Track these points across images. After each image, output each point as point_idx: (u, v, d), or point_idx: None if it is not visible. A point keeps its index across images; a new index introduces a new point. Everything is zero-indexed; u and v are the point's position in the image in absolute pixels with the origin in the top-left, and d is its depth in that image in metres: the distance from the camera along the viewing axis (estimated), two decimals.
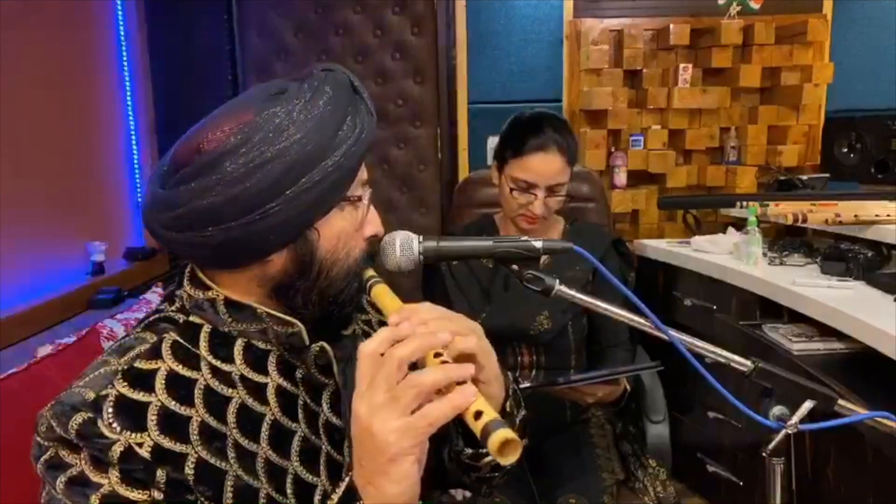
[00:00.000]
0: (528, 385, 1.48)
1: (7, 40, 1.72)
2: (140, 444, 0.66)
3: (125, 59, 2.38)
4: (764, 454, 0.75)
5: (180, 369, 0.72)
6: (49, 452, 0.67)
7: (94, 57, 2.22)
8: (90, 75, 2.19)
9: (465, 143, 2.65)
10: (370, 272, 0.80)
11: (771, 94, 2.64)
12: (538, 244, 0.81)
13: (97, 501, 0.65)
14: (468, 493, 1.41)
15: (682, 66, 2.53)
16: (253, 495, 0.72)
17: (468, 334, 0.68)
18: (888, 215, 1.94)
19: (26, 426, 0.71)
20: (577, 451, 1.53)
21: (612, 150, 2.60)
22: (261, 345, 0.77)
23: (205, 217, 0.68)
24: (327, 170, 0.70)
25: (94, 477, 0.65)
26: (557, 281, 0.79)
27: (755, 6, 2.55)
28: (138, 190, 2.41)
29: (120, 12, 2.35)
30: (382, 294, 0.76)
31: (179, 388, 0.71)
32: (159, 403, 0.69)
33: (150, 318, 0.78)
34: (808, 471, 1.57)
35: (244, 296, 0.76)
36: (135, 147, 2.41)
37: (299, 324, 0.76)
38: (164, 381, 0.71)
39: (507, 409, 0.79)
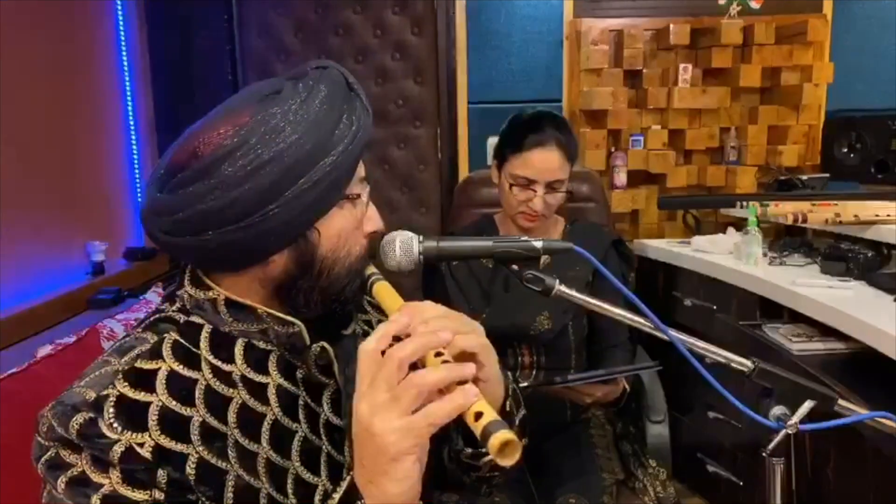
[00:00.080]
0: (526, 384, 1.49)
1: (7, 40, 1.72)
2: (141, 444, 0.66)
3: (125, 59, 2.38)
4: (764, 454, 0.75)
5: (181, 369, 0.72)
6: (50, 452, 0.67)
7: (94, 57, 2.22)
8: (90, 75, 2.19)
9: (465, 143, 2.65)
10: (371, 269, 0.80)
11: (771, 94, 2.64)
12: (538, 244, 0.81)
13: (98, 501, 0.65)
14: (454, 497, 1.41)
15: (682, 66, 2.53)
16: (254, 495, 0.72)
17: (469, 333, 0.68)
18: (888, 215, 1.94)
19: (26, 426, 0.71)
20: (577, 451, 1.53)
21: (612, 150, 2.60)
22: (261, 345, 0.77)
23: (204, 221, 0.68)
24: (325, 169, 0.70)
25: (95, 477, 0.65)
26: (557, 281, 0.79)
27: (755, 6, 2.55)
28: (138, 190, 2.41)
29: (120, 12, 2.35)
30: (384, 291, 0.76)
31: (180, 388, 0.71)
32: (160, 403, 0.69)
33: (151, 319, 0.78)
34: (808, 471, 1.57)
35: (245, 296, 0.76)
36: (135, 147, 2.41)
37: (300, 324, 0.76)
38: (164, 382, 0.71)
39: (507, 409, 0.79)
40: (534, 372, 1.58)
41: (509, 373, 0.83)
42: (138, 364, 0.71)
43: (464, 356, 0.66)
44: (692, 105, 2.53)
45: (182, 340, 0.74)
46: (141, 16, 2.48)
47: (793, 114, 2.60)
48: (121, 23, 2.35)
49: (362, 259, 0.79)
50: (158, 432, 0.68)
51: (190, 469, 0.69)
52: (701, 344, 0.76)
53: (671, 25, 2.48)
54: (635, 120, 2.58)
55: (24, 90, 1.79)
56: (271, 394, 0.76)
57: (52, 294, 1.84)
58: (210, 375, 0.73)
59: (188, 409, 0.71)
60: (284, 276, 0.75)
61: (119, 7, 2.35)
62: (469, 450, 0.84)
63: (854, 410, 0.74)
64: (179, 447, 0.69)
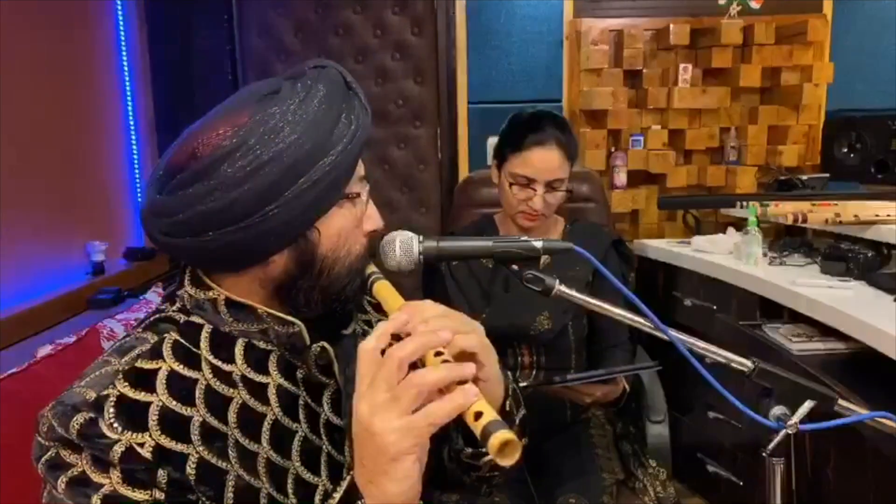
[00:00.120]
0: (526, 384, 1.48)
1: (7, 40, 1.72)
2: (141, 444, 0.66)
3: (125, 59, 2.38)
4: (764, 454, 0.75)
5: (181, 369, 0.72)
6: (50, 452, 0.67)
7: (94, 57, 2.22)
8: (90, 75, 2.19)
9: (465, 143, 2.65)
10: (372, 268, 0.80)
11: (771, 94, 2.64)
12: (538, 244, 0.81)
13: (98, 501, 0.65)
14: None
15: (682, 66, 2.53)
16: (254, 495, 0.72)
17: (469, 332, 0.68)
18: (888, 215, 1.95)
19: (26, 426, 0.71)
20: (577, 451, 1.53)
21: (612, 150, 2.60)
22: (262, 345, 0.77)
23: (204, 222, 0.68)
24: (325, 169, 0.70)
25: (96, 477, 0.65)
26: (557, 281, 0.79)
27: (755, 6, 2.55)
28: (138, 190, 2.41)
29: (120, 12, 2.35)
30: (384, 290, 0.76)
31: (180, 388, 0.71)
32: (160, 403, 0.69)
33: (151, 318, 0.77)
34: (808, 471, 1.57)
35: (246, 296, 0.76)
36: (135, 147, 2.41)
37: (300, 323, 0.76)
38: (165, 381, 0.71)
39: (507, 409, 0.79)
40: (534, 372, 1.58)
41: (509, 373, 0.83)
42: (138, 364, 0.71)
43: (464, 356, 0.66)
44: (692, 105, 2.53)
45: (182, 340, 0.74)
46: (141, 16, 2.48)
47: (793, 114, 2.60)
48: (121, 23, 2.35)
49: (363, 258, 0.79)
50: (159, 432, 0.68)
51: (190, 469, 0.69)
52: (701, 344, 0.76)
53: (671, 25, 2.48)
54: (635, 120, 2.58)
55: (23, 90, 1.79)
56: (271, 394, 0.76)
57: (52, 294, 1.84)
58: (210, 375, 0.73)
59: (188, 409, 0.71)
60: (285, 276, 0.75)
61: (119, 7, 2.35)
62: (469, 449, 0.84)
63: (854, 410, 0.74)
64: (180, 447, 0.69)
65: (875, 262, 1.79)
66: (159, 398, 0.70)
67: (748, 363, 0.75)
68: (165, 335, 0.74)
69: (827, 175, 2.50)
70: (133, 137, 2.41)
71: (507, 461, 0.54)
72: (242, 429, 0.73)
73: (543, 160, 1.51)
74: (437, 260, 0.83)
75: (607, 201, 2.17)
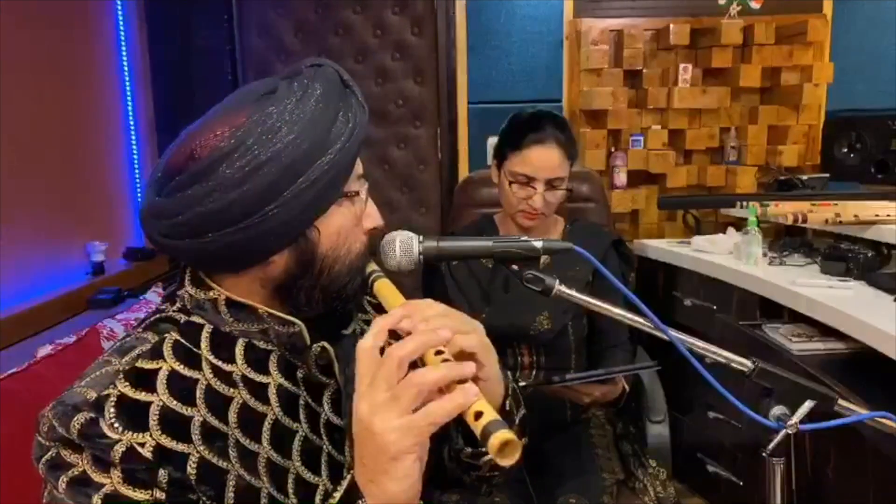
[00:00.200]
0: (526, 384, 1.48)
1: (7, 40, 1.72)
2: (142, 444, 0.66)
3: (125, 58, 2.38)
4: (764, 454, 0.75)
5: (182, 369, 0.72)
6: (51, 452, 0.67)
7: (93, 57, 2.22)
8: (90, 75, 2.19)
9: (465, 143, 2.65)
10: (372, 266, 0.80)
11: (771, 94, 2.64)
12: (538, 244, 0.81)
13: (99, 501, 0.65)
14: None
15: (682, 66, 2.53)
16: (254, 495, 0.72)
17: (469, 332, 0.68)
18: (888, 215, 1.95)
19: (26, 426, 0.71)
20: (577, 451, 1.53)
21: (612, 150, 2.60)
22: (262, 345, 0.77)
23: (203, 223, 0.68)
24: (323, 167, 0.70)
25: (96, 477, 0.65)
26: (557, 281, 0.79)
27: (755, 6, 2.55)
28: (138, 190, 2.41)
29: (120, 12, 2.35)
30: (385, 289, 0.76)
31: (181, 387, 0.71)
32: (161, 403, 0.69)
33: (151, 318, 0.77)
34: (808, 471, 1.57)
35: (246, 296, 0.76)
36: (135, 147, 2.41)
37: (300, 323, 0.76)
38: (165, 381, 0.71)
39: (507, 408, 0.79)
40: (534, 372, 1.58)
41: (509, 372, 0.83)
42: (139, 364, 0.71)
43: (464, 355, 0.66)
44: (692, 105, 2.54)
45: (183, 340, 0.74)
46: (141, 16, 2.48)
47: (793, 114, 2.60)
48: (121, 23, 2.35)
49: (363, 256, 0.79)
50: (159, 432, 0.68)
51: (191, 469, 0.69)
52: (701, 344, 0.76)
53: (671, 25, 2.48)
54: (635, 120, 2.58)
55: (23, 90, 1.79)
56: (272, 394, 0.76)
57: (52, 294, 1.84)
58: (211, 375, 0.73)
59: (189, 409, 0.71)
60: (285, 276, 0.75)
61: (119, 7, 2.35)
62: (469, 449, 0.84)
63: (854, 410, 0.74)
64: (180, 447, 0.69)
65: (875, 262, 1.79)
66: (160, 398, 0.70)
67: (748, 363, 0.75)
68: (166, 335, 0.74)
69: (827, 175, 2.50)
70: (133, 137, 2.41)
71: (507, 461, 0.54)
72: (243, 429, 0.73)
73: (543, 158, 1.51)
74: (437, 260, 0.83)
75: (607, 201, 2.17)
